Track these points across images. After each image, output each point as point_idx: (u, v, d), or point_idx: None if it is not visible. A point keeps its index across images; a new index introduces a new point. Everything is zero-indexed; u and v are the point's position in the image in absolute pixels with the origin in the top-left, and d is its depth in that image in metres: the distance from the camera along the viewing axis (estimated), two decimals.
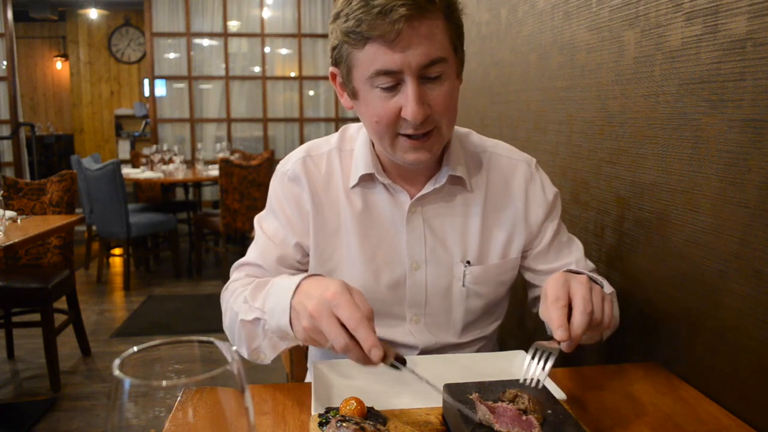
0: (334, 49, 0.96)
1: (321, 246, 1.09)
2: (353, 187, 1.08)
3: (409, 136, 0.95)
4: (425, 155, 0.98)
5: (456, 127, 1.09)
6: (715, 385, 0.97)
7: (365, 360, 0.77)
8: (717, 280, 0.97)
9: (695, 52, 1.00)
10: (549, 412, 0.77)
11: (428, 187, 1.07)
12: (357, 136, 1.12)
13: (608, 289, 1.00)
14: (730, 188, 0.93)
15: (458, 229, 1.09)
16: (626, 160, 1.23)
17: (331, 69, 1.01)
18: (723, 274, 0.95)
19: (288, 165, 1.11)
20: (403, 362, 0.78)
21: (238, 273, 1.11)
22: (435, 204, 1.09)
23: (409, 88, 0.90)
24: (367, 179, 1.07)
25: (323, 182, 1.09)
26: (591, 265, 1.17)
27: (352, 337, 0.77)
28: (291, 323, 0.85)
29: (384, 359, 0.76)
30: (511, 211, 1.11)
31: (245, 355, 1.00)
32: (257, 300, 0.95)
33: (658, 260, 1.13)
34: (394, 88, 0.92)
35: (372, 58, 0.89)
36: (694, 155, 1.02)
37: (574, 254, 1.15)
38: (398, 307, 1.10)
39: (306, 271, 1.11)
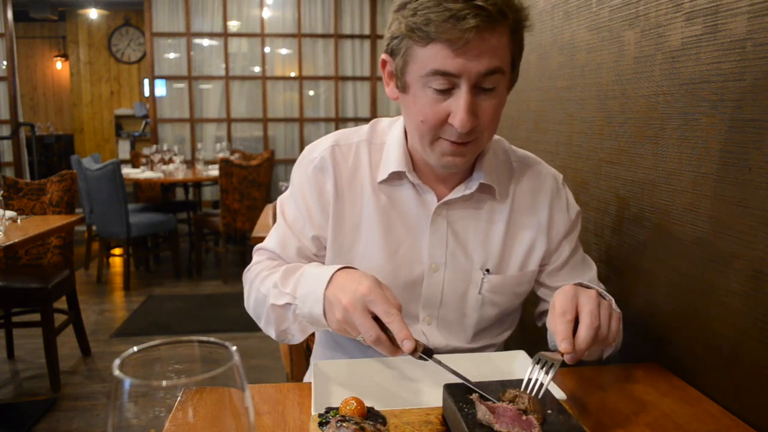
0: (394, 38, 0.94)
1: (339, 237, 1.08)
2: (381, 182, 1.08)
3: (450, 141, 0.95)
4: (460, 161, 0.98)
5: None
6: (715, 385, 0.97)
7: (394, 352, 0.83)
8: (717, 280, 0.97)
9: (695, 52, 1.00)
10: (549, 412, 0.77)
11: (457, 192, 1.06)
12: (389, 131, 1.11)
13: (615, 309, 1.00)
14: (730, 188, 0.93)
15: (481, 236, 1.09)
16: (626, 159, 1.23)
17: (384, 56, 1.00)
18: (723, 274, 0.95)
19: (315, 153, 1.10)
20: (430, 354, 0.84)
21: (258, 256, 1.15)
22: (461, 209, 1.08)
23: (462, 96, 0.89)
24: (395, 176, 1.07)
25: (349, 173, 1.09)
26: (602, 286, 1.16)
27: (382, 330, 0.83)
28: (324, 313, 0.90)
29: (413, 351, 0.82)
30: (535, 223, 1.11)
31: (273, 336, 1.05)
32: (288, 285, 0.98)
33: (658, 260, 1.13)
34: (447, 92, 0.91)
35: (433, 57, 0.89)
36: (694, 155, 1.02)
37: (588, 274, 1.15)
38: (413, 306, 1.10)
39: (322, 263, 1.12)
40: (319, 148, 1.11)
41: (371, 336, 0.82)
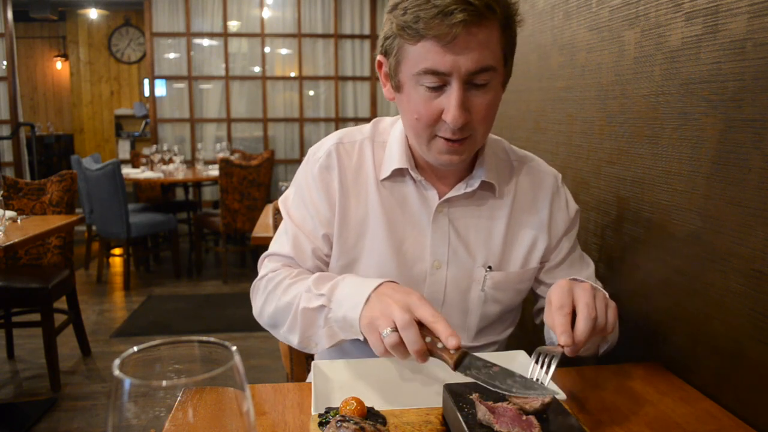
0: (386, 39, 0.96)
1: (345, 234, 1.09)
2: (384, 180, 1.08)
3: (445, 139, 0.96)
4: (457, 158, 0.99)
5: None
6: (715, 385, 0.97)
7: (422, 352, 0.81)
8: (716, 279, 0.97)
9: (695, 52, 1.00)
10: (546, 416, 0.77)
11: (459, 189, 1.07)
12: (391, 129, 1.12)
13: (610, 301, 1.00)
14: (730, 188, 0.93)
15: (483, 234, 1.10)
16: (626, 160, 1.23)
17: (379, 58, 1.02)
18: (722, 273, 0.95)
19: (320, 152, 1.11)
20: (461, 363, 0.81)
21: (271, 263, 1.12)
22: (462, 206, 1.09)
23: (453, 92, 0.91)
24: (398, 173, 1.08)
25: (353, 171, 1.09)
26: (599, 284, 1.15)
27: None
28: (360, 313, 0.87)
29: (456, 348, 0.80)
30: (536, 221, 1.12)
31: (294, 343, 1.03)
32: (323, 288, 0.96)
33: (658, 260, 1.13)
34: (439, 89, 0.92)
35: (423, 55, 0.90)
36: (694, 155, 1.02)
37: (585, 271, 1.15)
38: None
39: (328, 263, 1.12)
40: (323, 147, 1.12)
41: (405, 319, 0.80)
